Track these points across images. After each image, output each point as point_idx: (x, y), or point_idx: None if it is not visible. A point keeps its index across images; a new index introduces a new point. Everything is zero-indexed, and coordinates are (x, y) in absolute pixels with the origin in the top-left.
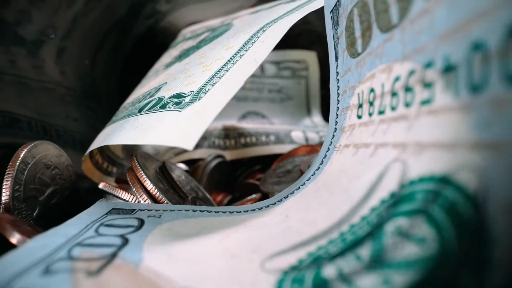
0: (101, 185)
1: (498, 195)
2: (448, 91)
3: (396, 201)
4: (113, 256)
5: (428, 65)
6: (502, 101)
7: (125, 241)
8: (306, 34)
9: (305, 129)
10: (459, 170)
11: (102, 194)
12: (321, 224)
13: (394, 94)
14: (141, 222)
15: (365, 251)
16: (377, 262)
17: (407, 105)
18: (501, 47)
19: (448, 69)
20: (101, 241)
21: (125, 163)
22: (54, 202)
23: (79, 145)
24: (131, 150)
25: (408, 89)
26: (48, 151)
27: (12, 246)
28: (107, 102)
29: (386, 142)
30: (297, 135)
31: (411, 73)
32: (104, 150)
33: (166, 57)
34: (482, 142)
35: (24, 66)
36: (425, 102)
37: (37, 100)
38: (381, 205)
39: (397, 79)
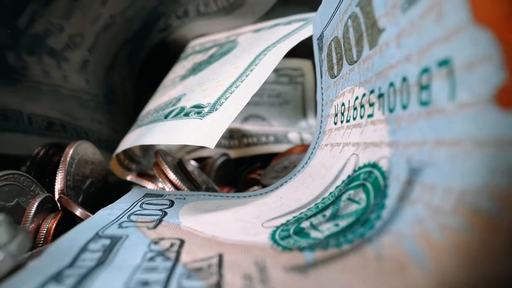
0: (128, 177)
1: (393, 172)
2: (380, 109)
3: (350, 180)
4: (160, 221)
5: (371, 91)
6: (401, 118)
7: (164, 213)
8: (302, 46)
9: (301, 130)
10: (380, 159)
11: (125, 186)
12: (303, 200)
13: (355, 108)
14: (172, 202)
15: (328, 212)
16: (334, 216)
17: (361, 117)
18: (401, 90)
19: (380, 95)
20: (147, 212)
21: (141, 160)
22: (91, 191)
23: (104, 145)
24: (147, 150)
25: (362, 106)
26: (87, 150)
27: (74, 219)
28: (124, 107)
29: (349, 142)
30: (293, 136)
31: (363, 95)
32: (126, 150)
33: (180, 69)
34: (391, 142)
35: (56, 76)
36: (370, 115)
37: (68, 106)
38: (341, 184)
39: (356, 98)
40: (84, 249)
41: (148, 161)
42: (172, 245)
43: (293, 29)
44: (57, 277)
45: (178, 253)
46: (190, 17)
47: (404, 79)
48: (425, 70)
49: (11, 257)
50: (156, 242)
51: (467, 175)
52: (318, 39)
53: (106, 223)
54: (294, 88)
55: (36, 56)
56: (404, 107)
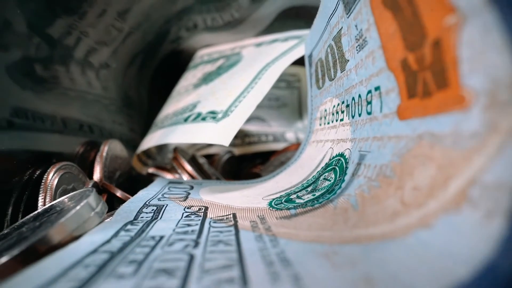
0: (150, 170)
1: (351, 158)
2: (347, 116)
3: (326, 166)
4: (186, 197)
5: (342, 102)
6: (358, 122)
7: (188, 193)
8: None
9: (297, 131)
10: (345, 150)
11: (147, 178)
12: (294, 182)
13: (332, 114)
14: (191, 187)
15: (310, 188)
16: (313, 190)
17: (336, 121)
18: (358, 103)
19: (347, 106)
20: (175, 192)
21: (156, 157)
22: (120, 181)
23: (124, 143)
24: (160, 149)
25: (336, 112)
26: (116, 147)
27: (112, 200)
28: (139, 110)
29: (328, 139)
30: (290, 135)
31: (338, 104)
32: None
33: (191, 77)
34: (352, 138)
35: (81, 83)
36: (341, 120)
37: (92, 110)
38: (321, 169)
39: (334, 106)
40: (140, 211)
41: (162, 157)
42: (199, 209)
43: (289, 47)
44: (125, 227)
45: (205, 213)
46: (198, 30)
47: (359, 96)
48: (369, 92)
49: (99, 216)
50: (188, 208)
51: (384, 157)
52: (308, 57)
53: (149, 197)
54: (291, 92)
55: (66, 65)
56: (359, 115)
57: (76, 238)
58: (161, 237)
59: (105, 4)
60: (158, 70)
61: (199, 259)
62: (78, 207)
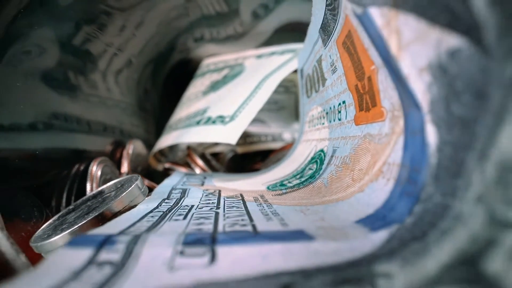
0: (167, 165)
1: (328, 152)
2: (326, 120)
3: (311, 160)
4: (202, 183)
5: (323, 110)
6: (333, 126)
7: (203, 181)
8: None
9: (293, 131)
10: (324, 147)
11: (158, 174)
12: (287, 172)
13: (317, 119)
14: (205, 177)
15: (298, 176)
16: (300, 177)
17: (320, 124)
18: (333, 111)
19: (327, 113)
20: (193, 180)
21: (168, 154)
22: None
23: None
24: (172, 148)
25: (320, 117)
26: (138, 145)
27: None
28: (152, 113)
29: (314, 138)
30: (287, 135)
31: (321, 112)
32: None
33: (200, 85)
34: (329, 138)
35: (102, 89)
36: (323, 123)
37: (113, 113)
38: (307, 162)
39: (318, 113)
40: (170, 192)
41: (173, 155)
42: (214, 191)
43: (285, 60)
44: (163, 202)
45: (219, 193)
46: (204, 41)
47: (334, 106)
48: (339, 104)
49: (143, 194)
50: (205, 190)
51: (346, 150)
52: (300, 70)
53: (174, 183)
54: (288, 96)
55: (89, 73)
56: (334, 120)
57: (130, 208)
58: (192, 206)
59: (124, 19)
60: (169, 77)
61: (221, 214)
62: (131, 188)
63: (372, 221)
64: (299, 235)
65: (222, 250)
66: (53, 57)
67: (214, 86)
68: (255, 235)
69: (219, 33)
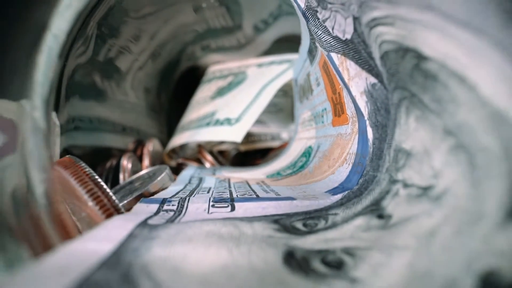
0: (180, 160)
1: (314, 148)
2: (313, 123)
3: (302, 154)
4: (214, 174)
5: (312, 114)
6: (318, 127)
7: (213, 173)
8: None
9: (290, 131)
10: (312, 144)
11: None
12: (283, 165)
13: (308, 121)
14: (215, 169)
15: (292, 166)
16: (293, 167)
17: (309, 126)
18: (318, 116)
19: (315, 117)
20: (205, 172)
21: (179, 152)
22: None
23: None
24: (182, 146)
25: (310, 120)
26: (156, 144)
27: None
28: (164, 115)
29: (305, 137)
30: (285, 135)
31: (310, 115)
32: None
33: (207, 90)
34: (316, 136)
35: (120, 93)
36: (311, 125)
37: (130, 115)
38: (299, 156)
39: (308, 116)
40: (190, 180)
41: (183, 153)
42: (225, 178)
43: (282, 70)
44: (186, 185)
45: (229, 180)
46: (210, 50)
47: (319, 112)
48: (322, 110)
49: (171, 180)
50: (217, 178)
51: (326, 146)
52: (295, 80)
53: (191, 173)
54: (286, 100)
55: (110, 78)
56: (319, 123)
57: (162, 189)
58: (210, 187)
59: (140, 30)
60: (178, 82)
61: (233, 190)
62: (163, 175)
63: (335, 190)
64: (286, 198)
65: (238, 205)
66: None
67: (221, 92)
68: (257, 198)
69: (224, 43)
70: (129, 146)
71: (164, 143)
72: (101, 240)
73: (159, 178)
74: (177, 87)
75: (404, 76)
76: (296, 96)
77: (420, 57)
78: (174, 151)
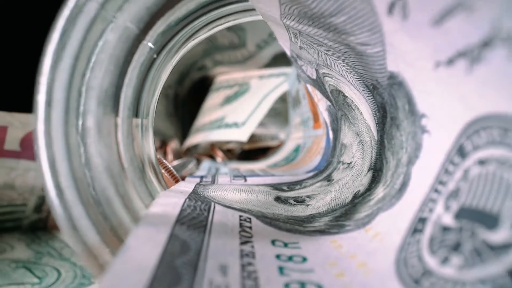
0: (195, 156)
1: (301, 146)
2: (303, 126)
3: (293, 150)
4: (225, 166)
5: (301, 120)
6: (305, 130)
7: (225, 165)
8: None
9: (286, 132)
10: (301, 143)
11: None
12: (279, 159)
13: (298, 125)
14: (225, 163)
15: (286, 159)
16: (286, 160)
17: (299, 129)
18: (305, 122)
19: (303, 122)
20: (218, 164)
21: (192, 150)
22: None
23: None
24: (195, 146)
25: (300, 124)
26: (176, 143)
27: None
28: (176, 119)
29: (296, 137)
30: (282, 135)
31: (300, 120)
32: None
33: (216, 98)
34: (303, 136)
35: None
36: (301, 128)
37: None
38: (290, 152)
39: (299, 121)
40: (209, 168)
41: (195, 150)
42: (236, 168)
43: (280, 82)
44: (208, 172)
45: (238, 170)
46: (218, 62)
47: (305, 118)
48: (307, 117)
49: (196, 168)
50: (229, 168)
51: (308, 144)
52: (289, 92)
53: (208, 165)
54: (283, 105)
55: None
56: (306, 126)
57: (191, 174)
58: (226, 172)
59: None
60: (190, 90)
61: (244, 173)
62: (192, 164)
63: (310, 171)
64: (279, 175)
65: (248, 178)
66: None
67: (228, 100)
68: (261, 175)
69: (230, 57)
70: (156, 144)
71: (179, 143)
72: (184, 186)
73: (189, 166)
74: (189, 94)
75: (340, 103)
76: (290, 104)
77: (345, 95)
78: (188, 149)
